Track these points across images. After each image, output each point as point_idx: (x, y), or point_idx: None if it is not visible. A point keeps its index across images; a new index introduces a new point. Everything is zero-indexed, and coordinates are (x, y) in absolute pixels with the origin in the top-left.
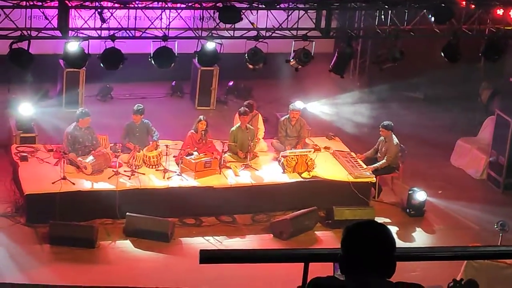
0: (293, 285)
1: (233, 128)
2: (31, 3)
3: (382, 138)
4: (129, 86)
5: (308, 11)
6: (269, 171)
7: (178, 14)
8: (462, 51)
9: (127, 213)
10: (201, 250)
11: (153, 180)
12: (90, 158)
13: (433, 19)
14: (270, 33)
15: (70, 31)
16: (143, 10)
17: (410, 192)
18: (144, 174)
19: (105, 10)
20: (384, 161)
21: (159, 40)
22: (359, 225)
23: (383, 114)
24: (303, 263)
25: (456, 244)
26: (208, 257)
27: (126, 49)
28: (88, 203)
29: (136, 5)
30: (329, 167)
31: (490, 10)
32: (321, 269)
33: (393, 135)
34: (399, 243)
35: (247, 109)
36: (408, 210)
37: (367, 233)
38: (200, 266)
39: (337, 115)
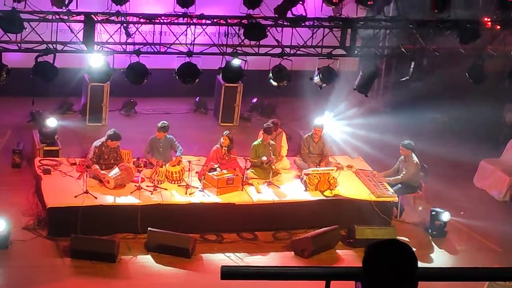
0: None
1: (255, 143)
2: (57, 17)
3: (402, 157)
4: (153, 101)
5: (333, 29)
6: (291, 188)
7: (203, 30)
8: (487, 72)
9: (149, 228)
10: (222, 266)
11: (175, 195)
12: (115, 171)
13: (458, 39)
14: (295, 51)
15: (95, 45)
16: (168, 25)
17: (432, 212)
18: (166, 189)
19: (131, 25)
20: (398, 177)
21: (184, 55)
22: (381, 244)
23: (406, 134)
24: (324, 281)
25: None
26: (230, 273)
27: (151, 64)
28: (110, 217)
29: (161, 21)
30: (351, 185)
31: None
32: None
33: (413, 155)
34: (420, 264)
35: (271, 126)
36: (430, 231)
37: (389, 251)
38: (220, 282)
39: (360, 134)
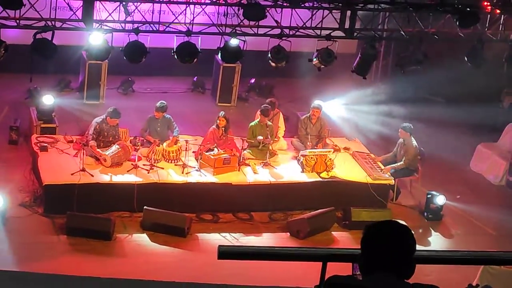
0: (310, 284)
1: (252, 123)
2: None
3: (401, 140)
4: (151, 80)
5: (333, 11)
6: (288, 169)
7: (203, 9)
8: (486, 56)
9: (145, 207)
10: (219, 246)
11: (171, 174)
12: (113, 148)
13: (457, 23)
14: (294, 32)
15: (94, 23)
16: (167, 4)
17: (428, 196)
18: (163, 168)
19: (130, 3)
20: (401, 162)
21: (183, 35)
22: (380, 224)
23: (404, 117)
24: (321, 263)
25: (473, 250)
26: (227, 252)
27: (150, 43)
28: (106, 195)
29: None
30: (348, 168)
31: None
32: (339, 269)
33: (412, 138)
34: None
35: (269, 108)
36: (425, 214)
37: (388, 232)
38: (215, 261)
39: (357, 116)
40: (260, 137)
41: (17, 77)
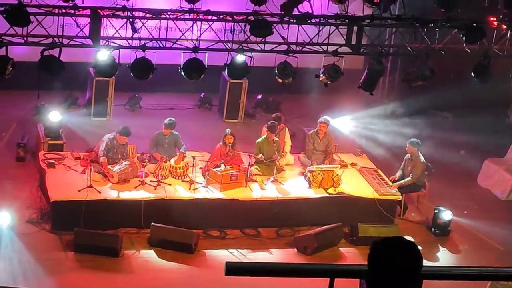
0: None
1: (259, 140)
2: (64, 11)
3: (408, 155)
4: (158, 97)
5: (339, 27)
6: (295, 185)
7: (209, 26)
8: (493, 72)
9: (152, 223)
10: (227, 262)
11: (178, 191)
12: (123, 164)
13: (464, 38)
14: (301, 48)
15: (101, 40)
16: (174, 21)
17: (435, 211)
18: (170, 184)
19: (137, 20)
20: (409, 178)
21: (190, 51)
22: (387, 241)
23: (411, 132)
24: (328, 279)
25: (480, 265)
26: (234, 269)
27: (156, 59)
28: (113, 212)
29: (167, 16)
30: (355, 183)
31: None
32: (346, 286)
33: (420, 153)
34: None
35: (276, 124)
36: (433, 229)
37: (395, 249)
38: (223, 278)
39: (364, 132)
40: (260, 155)
41: (24, 94)
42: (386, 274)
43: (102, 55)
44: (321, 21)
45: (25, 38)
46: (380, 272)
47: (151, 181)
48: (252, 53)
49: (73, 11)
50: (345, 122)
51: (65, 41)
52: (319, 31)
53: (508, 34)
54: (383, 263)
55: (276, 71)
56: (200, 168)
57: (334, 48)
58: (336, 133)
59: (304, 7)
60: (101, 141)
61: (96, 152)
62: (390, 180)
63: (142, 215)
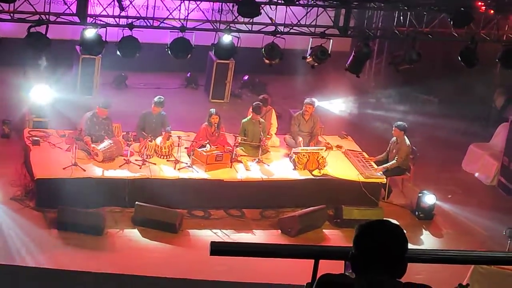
0: (301, 282)
1: (244, 120)
2: None
3: (394, 139)
4: (144, 76)
5: (327, 8)
6: (280, 167)
7: (197, 5)
8: (479, 56)
9: (136, 202)
10: (212, 242)
11: (163, 170)
12: (106, 143)
13: (452, 22)
14: (288, 29)
15: (88, 18)
16: (162, 0)
17: (419, 195)
18: (155, 164)
19: None
20: (394, 161)
21: (177, 30)
22: (372, 224)
23: (396, 116)
24: (313, 260)
25: (464, 249)
26: (219, 249)
27: (143, 38)
28: (97, 190)
29: None
30: (340, 166)
31: (509, 16)
32: (331, 268)
33: (405, 137)
34: None
35: (261, 105)
36: (417, 213)
37: (380, 231)
38: (207, 258)
39: (350, 114)
40: (241, 138)
41: (10, 71)
42: (372, 256)
43: (89, 33)
44: (309, 3)
45: (11, 15)
46: (365, 255)
47: (136, 160)
48: (240, 33)
49: None
50: (331, 104)
51: (52, 18)
52: (307, 13)
53: (496, 19)
54: (369, 246)
55: (263, 52)
56: (186, 148)
57: (321, 30)
58: (322, 115)
59: None
60: (82, 119)
61: (80, 130)
62: (370, 160)
63: (127, 193)
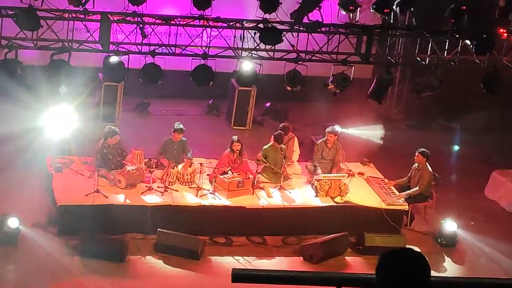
0: None
1: (266, 146)
2: (74, 15)
3: (415, 165)
4: (166, 102)
5: (349, 36)
6: (302, 193)
7: (219, 32)
8: (502, 83)
9: (158, 229)
10: (233, 269)
11: (185, 197)
12: (132, 167)
13: (473, 49)
14: (310, 56)
15: (111, 45)
16: (184, 27)
17: (442, 222)
18: (177, 190)
19: (147, 26)
20: (417, 188)
21: (199, 58)
22: (395, 252)
23: (419, 142)
24: (335, 287)
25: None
26: (241, 276)
27: (166, 65)
28: (120, 217)
29: (177, 22)
30: (362, 193)
31: None
32: None
33: (428, 164)
34: None
35: (283, 133)
36: (439, 240)
37: (403, 260)
38: (229, 285)
39: (372, 142)
40: (259, 154)
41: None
42: (394, 284)
43: (112, 60)
44: (331, 30)
45: (35, 42)
46: (389, 283)
47: (158, 186)
48: (261, 60)
49: (83, 16)
50: (353, 131)
51: (75, 45)
52: (328, 40)
53: None
54: (392, 274)
55: (285, 79)
56: (208, 174)
57: (343, 57)
58: (344, 142)
59: (314, 16)
60: (94, 155)
61: (96, 167)
62: (390, 184)
63: (149, 220)
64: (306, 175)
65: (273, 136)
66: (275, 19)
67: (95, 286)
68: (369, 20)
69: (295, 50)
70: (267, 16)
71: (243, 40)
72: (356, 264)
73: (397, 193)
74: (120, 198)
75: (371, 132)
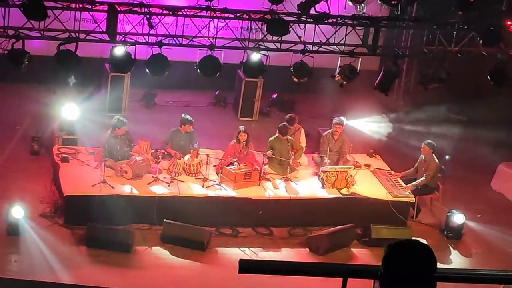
0: None
1: (271, 138)
2: (81, 6)
3: (422, 156)
4: (173, 93)
5: (356, 27)
6: (308, 185)
7: (226, 24)
8: (509, 75)
9: (165, 220)
10: (240, 260)
11: (192, 188)
12: (138, 157)
13: (481, 41)
14: (317, 48)
15: (117, 36)
16: (191, 18)
17: (448, 214)
18: (183, 181)
19: (154, 17)
20: (423, 178)
21: (206, 49)
22: (401, 244)
23: (425, 135)
24: (341, 279)
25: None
26: (247, 267)
27: (172, 56)
28: (126, 207)
29: (184, 13)
30: (368, 184)
31: None
32: (359, 286)
33: (434, 155)
34: None
35: (287, 125)
36: (445, 232)
37: (409, 251)
38: (235, 275)
39: (379, 133)
40: (269, 151)
41: (39, 88)
42: (401, 276)
43: (118, 51)
44: (338, 21)
45: (41, 32)
46: (395, 274)
47: (164, 177)
48: (268, 51)
49: (90, 6)
50: (359, 123)
51: (82, 36)
52: (335, 31)
53: None
54: (398, 265)
55: (292, 70)
56: (214, 165)
57: (350, 48)
58: (350, 133)
59: (321, 7)
60: (100, 146)
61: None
62: (396, 176)
63: (155, 211)
64: (312, 166)
65: (278, 129)
66: (282, 10)
67: (101, 276)
68: (376, 12)
69: (302, 42)
70: (274, 7)
71: (250, 31)
72: (362, 256)
73: (403, 185)
74: (126, 189)
75: (378, 124)
